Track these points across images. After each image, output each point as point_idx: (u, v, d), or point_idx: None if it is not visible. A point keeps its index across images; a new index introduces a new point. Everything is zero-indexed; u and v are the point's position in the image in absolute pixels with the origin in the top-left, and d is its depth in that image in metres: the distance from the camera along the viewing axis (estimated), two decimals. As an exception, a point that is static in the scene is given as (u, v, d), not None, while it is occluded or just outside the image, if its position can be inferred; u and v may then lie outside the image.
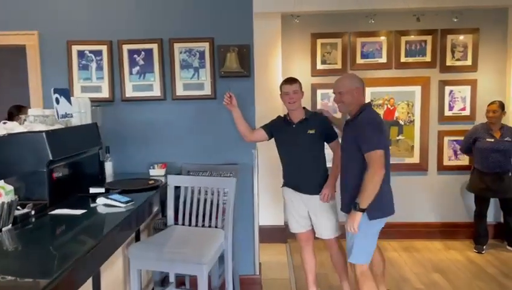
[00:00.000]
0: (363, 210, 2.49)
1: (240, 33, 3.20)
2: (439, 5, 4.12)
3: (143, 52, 3.27)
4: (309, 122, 3.04)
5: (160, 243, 2.53)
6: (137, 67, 3.28)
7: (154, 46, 3.25)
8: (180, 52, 3.25)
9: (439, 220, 4.63)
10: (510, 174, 4.09)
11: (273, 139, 3.16)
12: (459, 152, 4.51)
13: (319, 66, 4.51)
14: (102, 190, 2.55)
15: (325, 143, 3.07)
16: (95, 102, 3.15)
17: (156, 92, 3.29)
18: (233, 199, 2.71)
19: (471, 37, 4.37)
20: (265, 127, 3.17)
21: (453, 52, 4.42)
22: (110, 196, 2.36)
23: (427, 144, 4.54)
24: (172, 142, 3.33)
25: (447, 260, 4.09)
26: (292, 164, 3.09)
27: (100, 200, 2.35)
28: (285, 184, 3.18)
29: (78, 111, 2.87)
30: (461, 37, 4.38)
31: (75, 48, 3.27)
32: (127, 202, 2.32)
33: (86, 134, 2.87)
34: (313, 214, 3.09)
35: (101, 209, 2.30)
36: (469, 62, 4.42)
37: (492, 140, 4.08)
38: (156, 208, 2.72)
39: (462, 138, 4.49)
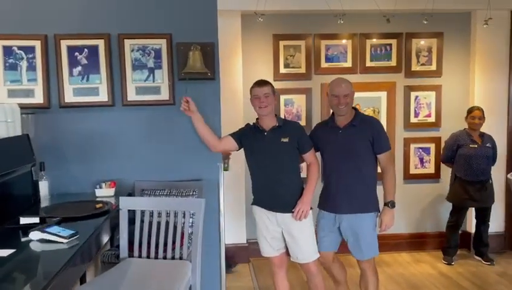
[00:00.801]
0: (394, 206, 2.70)
1: (203, 29, 2.79)
2: (405, 7, 3.95)
3: (86, 50, 2.75)
4: (282, 129, 2.70)
5: (113, 284, 2.03)
6: (79, 68, 2.75)
7: (100, 43, 2.75)
8: (132, 50, 2.78)
9: (406, 231, 4.46)
10: (490, 181, 3.99)
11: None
12: (425, 160, 4.38)
13: (282, 70, 4.19)
14: (36, 220, 2.02)
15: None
16: (26, 109, 2.60)
17: (103, 96, 2.78)
18: (201, 223, 2.27)
19: (436, 41, 4.27)
20: (234, 135, 2.78)
21: (418, 56, 4.29)
22: (47, 229, 1.84)
23: (393, 152, 4.36)
24: (122, 155, 2.83)
25: (419, 274, 3.91)
26: (264, 177, 2.72)
27: (34, 235, 1.83)
28: (256, 202, 2.80)
29: (3, 120, 2.32)
30: (425, 42, 4.26)
31: (-1, 44, 2.69)
32: (70, 236, 1.82)
33: (13, 148, 2.32)
34: (287, 234, 2.73)
35: (36, 247, 1.78)
36: (433, 67, 4.30)
37: (476, 146, 3.95)
38: (106, 239, 2.22)
39: (428, 146, 4.37)
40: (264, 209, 2.75)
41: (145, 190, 2.80)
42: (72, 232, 1.85)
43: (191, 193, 2.76)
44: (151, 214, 2.36)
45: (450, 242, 4.13)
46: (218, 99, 2.85)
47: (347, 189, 2.70)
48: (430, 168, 4.40)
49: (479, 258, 4.15)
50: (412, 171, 4.41)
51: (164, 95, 2.81)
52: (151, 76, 2.80)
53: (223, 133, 2.86)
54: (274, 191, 2.70)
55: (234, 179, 4.01)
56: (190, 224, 2.38)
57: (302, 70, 4.20)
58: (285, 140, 2.68)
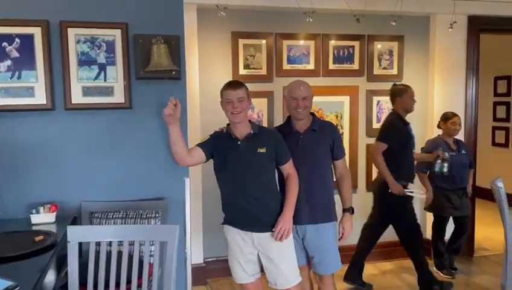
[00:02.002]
0: (353, 212, 2.62)
1: (166, 19, 2.37)
2: (374, 8, 3.80)
3: (18, 40, 2.20)
4: (258, 138, 2.36)
5: None
6: (8, 62, 2.20)
7: (36, 31, 2.21)
8: (78, 42, 2.27)
9: (369, 240, 4.29)
10: (467, 189, 3.92)
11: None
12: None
13: (242, 71, 3.83)
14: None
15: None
16: None
17: (40, 98, 2.24)
18: (175, 255, 1.84)
19: (397, 44, 4.17)
20: (203, 145, 2.37)
21: (379, 60, 4.16)
22: (-29, 282, 1.32)
23: (356, 159, 4.19)
24: (65, 171, 2.31)
25: (387, 286, 3.75)
26: (237, 193, 2.35)
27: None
28: (228, 221, 2.43)
29: None
30: (387, 45, 4.15)
31: None
32: (6, 291, 1.31)
33: None
34: (265, 257, 2.38)
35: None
36: (395, 71, 4.20)
37: (454, 153, 3.83)
38: (52, 284, 1.71)
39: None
40: (237, 229, 2.39)
41: (94, 213, 2.30)
42: (9, 284, 1.34)
43: (152, 215, 2.30)
44: (109, 243, 1.88)
45: (441, 254, 3.98)
46: (185, 103, 2.43)
47: (310, 197, 2.50)
48: (392, 176, 4.28)
49: (437, 271, 3.99)
50: (374, 178, 4.26)
51: (118, 97, 2.34)
52: (102, 74, 2.31)
53: (189, 142, 2.44)
54: (250, 209, 2.34)
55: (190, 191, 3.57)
56: (151, 252, 1.93)
57: (263, 71, 3.88)
58: (262, 150, 2.34)
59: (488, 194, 3.53)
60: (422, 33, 4.22)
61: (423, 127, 4.29)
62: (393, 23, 3.72)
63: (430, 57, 4.24)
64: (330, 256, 2.56)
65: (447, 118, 3.88)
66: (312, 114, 2.64)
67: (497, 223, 2.97)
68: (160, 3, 2.37)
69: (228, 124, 2.40)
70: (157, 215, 2.30)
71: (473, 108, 4.26)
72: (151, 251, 1.99)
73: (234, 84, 2.36)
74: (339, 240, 2.58)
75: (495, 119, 6.29)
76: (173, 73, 2.32)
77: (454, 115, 3.88)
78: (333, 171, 2.65)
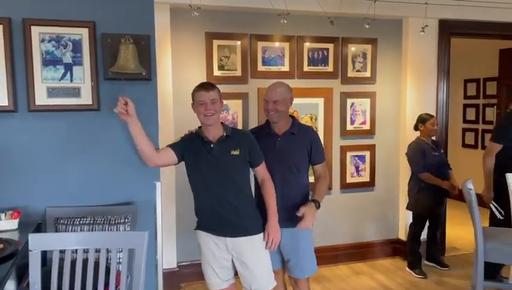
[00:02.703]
0: (319, 208, 2.48)
1: (136, 18, 2.30)
2: (348, 11, 3.81)
3: (-24, 37, 2.09)
4: (232, 140, 2.32)
5: None
6: (-34, 61, 2.08)
7: (-3, 29, 2.10)
8: (43, 41, 2.18)
9: (343, 242, 4.32)
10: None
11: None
12: (361, 168, 4.28)
13: (216, 72, 3.77)
14: None
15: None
16: None
17: (1, 99, 2.13)
18: (144, 262, 1.78)
19: (370, 47, 4.20)
20: (175, 147, 2.31)
21: (353, 62, 4.18)
22: None
23: (331, 161, 4.19)
24: (29, 176, 2.22)
25: (361, 287, 3.76)
26: (211, 197, 2.31)
27: None
28: (201, 226, 2.38)
29: None
30: (361, 48, 4.17)
31: None
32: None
33: None
34: (239, 262, 2.34)
35: None
36: (368, 74, 4.23)
37: (437, 154, 3.91)
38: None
39: (363, 154, 4.28)
40: (210, 235, 2.34)
41: (60, 219, 2.21)
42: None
43: (122, 220, 2.23)
44: (74, 250, 1.80)
45: (416, 253, 4.03)
46: (156, 105, 2.37)
47: (286, 200, 2.46)
48: (365, 177, 4.31)
49: (433, 264, 4.12)
50: (349, 180, 4.28)
51: (85, 98, 2.26)
52: (68, 74, 2.23)
53: (160, 144, 2.38)
54: (223, 213, 2.30)
55: (163, 194, 3.49)
56: (119, 259, 1.86)
57: (238, 73, 3.84)
58: (236, 153, 2.31)
59: (458, 195, 3.59)
60: (395, 36, 4.26)
61: (396, 129, 4.34)
62: (367, 26, 3.74)
63: (403, 60, 4.29)
64: (306, 259, 2.54)
65: (425, 120, 3.95)
66: (292, 117, 2.61)
67: (468, 223, 3.02)
68: (130, 2, 2.30)
69: (200, 127, 2.35)
70: (126, 220, 2.23)
71: (444, 110, 4.34)
72: (119, 258, 1.92)
73: (207, 86, 2.31)
74: (300, 226, 2.42)
75: (465, 121, 6.44)
76: (143, 74, 2.25)
77: (431, 116, 3.96)
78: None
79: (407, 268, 4.04)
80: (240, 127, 3.84)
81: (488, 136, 5.90)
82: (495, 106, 5.49)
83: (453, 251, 4.49)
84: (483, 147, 6.10)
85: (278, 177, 2.46)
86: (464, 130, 6.44)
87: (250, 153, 2.35)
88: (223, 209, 2.29)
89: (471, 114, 6.33)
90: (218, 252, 2.34)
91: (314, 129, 2.79)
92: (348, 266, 4.23)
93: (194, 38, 3.71)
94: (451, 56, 4.40)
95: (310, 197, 2.55)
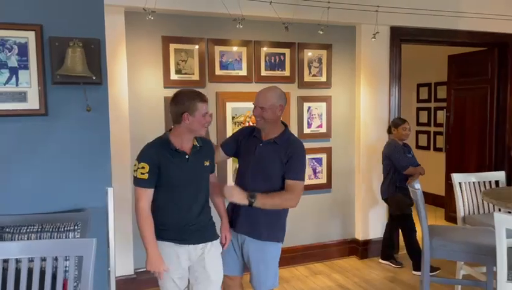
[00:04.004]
0: (251, 203, 2.30)
1: (85, 21, 2.27)
2: (302, 17, 3.89)
3: None
4: (203, 150, 2.33)
5: None
6: None
7: None
8: (-15, 44, 2.10)
9: (301, 243, 4.39)
10: None
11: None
12: (318, 170, 4.38)
13: (173, 76, 3.76)
14: None
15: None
16: None
17: None
18: (92, 269, 1.75)
19: (325, 52, 4.30)
20: (150, 161, 2.14)
21: (309, 67, 4.27)
22: None
23: (289, 164, 4.25)
24: (-28, 183, 2.13)
25: (319, 287, 3.84)
26: (185, 210, 2.25)
27: None
28: (168, 237, 2.25)
29: None
30: (316, 53, 4.27)
31: None
32: None
33: None
34: (193, 269, 2.34)
35: None
36: (324, 78, 4.33)
37: (411, 155, 4.10)
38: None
39: (320, 156, 4.38)
40: (173, 244, 2.26)
41: (5, 228, 2.14)
42: None
43: (72, 228, 2.19)
44: (19, 259, 1.75)
45: (394, 249, 4.33)
46: (107, 110, 2.33)
47: (256, 210, 2.37)
48: (322, 179, 4.41)
49: (387, 262, 4.29)
50: (306, 182, 4.28)
51: (32, 103, 2.21)
52: (13, 78, 2.17)
53: (114, 155, 2.34)
54: (198, 224, 2.28)
55: (119, 200, 3.44)
56: (66, 268, 1.83)
57: (196, 77, 3.84)
58: (207, 163, 2.33)
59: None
60: (349, 42, 4.39)
61: (351, 132, 4.47)
62: (321, 32, 3.84)
63: (357, 65, 4.43)
64: (268, 274, 2.48)
65: (398, 124, 4.12)
66: (285, 126, 2.50)
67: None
68: (79, 5, 2.26)
69: (168, 135, 2.23)
70: (76, 227, 2.18)
71: (396, 113, 4.50)
72: (66, 267, 1.88)
73: (205, 97, 2.27)
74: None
75: (418, 123, 6.70)
76: (93, 78, 2.22)
77: (405, 120, 4.16)
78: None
79: (413, 272, 4.09)
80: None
81: (439, 138, 6.17)
82: (445, 109, 5.75)
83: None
84: (435, 148, 6.37)
85: (251, 182, 2.40)
86: (418, 132, 6.70)
87: (211, 161, 2.38)
88: (198, 219, 2.30)
89: (423, 117, 6.60)
90: (181, 262, 2.28)
91: (302, 146, 2.47)
92: (306, 266, 4.31)
93: (150, 42, 3.69)
94: (405, 61, 4.58)
95: None
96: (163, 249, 2.24)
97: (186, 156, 2.21)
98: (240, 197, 2.31)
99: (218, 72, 3.92)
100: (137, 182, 2.14)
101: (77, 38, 2.18)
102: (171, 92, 3.66)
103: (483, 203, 3.64)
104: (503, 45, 4.91)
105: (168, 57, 3.73)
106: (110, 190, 2.34)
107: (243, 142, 2.53)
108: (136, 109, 3.57)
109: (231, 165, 4.02)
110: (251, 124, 4.08)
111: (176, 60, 3.76)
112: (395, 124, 4.17)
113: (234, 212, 2.51)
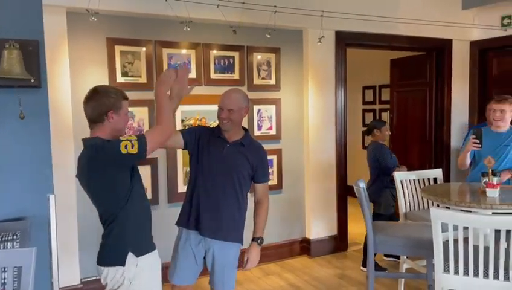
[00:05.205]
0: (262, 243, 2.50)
1: (22, 22, 2.17)
2: (249, 20, 3.94)
3: None
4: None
5: None
6: None
7: None
8: None
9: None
10: None
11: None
12: (269, 172, 4.42)
13: (120, 79, 3.68)
14: None
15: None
16: None
17: None
18: (32, 280, 1.69)
19: (274, 56, 4.38)
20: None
21: (258, 70, 4.32)
22: None
23: (239, 166, 4.28)
24: None
25: (271, 288, 3.90)
26: (145, 217, 2.16)
27: None
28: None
29: None
30: (265, 56, 4.33)
31: None
32: None
33: None
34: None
35: None
36: (273, 81, 4.40)
37: (394, 155, 4.22)
38: None
39: (271, 158, 4.43)
40: None
41: None
42: None
43: (10, 237, 2.09)
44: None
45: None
46: (47, 114, 2.25)
47: (221, 210, 2.41)
48: (273, 180, 4.46)
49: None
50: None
51: (-36, 107, 2.07)
52: None
53: (56, 161, 2.26)
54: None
55: (62, 207, 3.32)
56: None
57: (143, 79, 3.78)
58: None
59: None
60: (296, 46, 4.49)
61: (300, 134, 4.57)
62: (268, 36, 3.90)
63: (304, 68, 4.54)
64: (230, 277, 2.49)
65: (381, 126, 4.29)
66: (245, 130, 2.55)
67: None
68: (15, 6, 2.17)
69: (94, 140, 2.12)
70: (15, 237, 2.09)
71: (342, 116, 4.65)
72: (3, 278, 1.80)
73: (126, 95, 2.17)
74: (241, 268, 2.50)
75: (364, 124, 6.96)
76: (32, 80, 2.13)
77: (385, 122, 4.31)
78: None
79: (362, 268, 4.17)
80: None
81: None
82: (388, 111, 6.02)
83: (354, 246, 4.82)
84: (380, 148, 6.65)
85: (219, 182, 2.40)
86: (364, 133, 6.96)
87: None
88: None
89: (369, 118, 6.87)
90: None
91: (265, 149, 2.61)
92: (259, 267, 4.34)
93: (94, 44, 3.59)
94: (351, 65, 4.75)
95: (252, 233, 2.53)
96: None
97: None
98: (258, 255, 2.50)
99: (167, 74, 3.88)
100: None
101: (13, 39, 2.08)
102: (117, 95, 3.59)
103: (423, 200, 3.84)
104: (440, 49, 5.21)
105: (113, 59, 3.64)
106: (51, 197, 2.26)
107: (204, 142, 2.45)
108: (80, 113, 3.45)
109: (181, 168, 3.99)
110: (201, 126, 4.07)
111: (122, 63, 3.68)
112: (379, 126, 4.30)
113: (196, 213, 2.42)
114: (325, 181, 4.59)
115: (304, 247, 4.63)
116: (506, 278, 2.32)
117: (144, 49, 3.76)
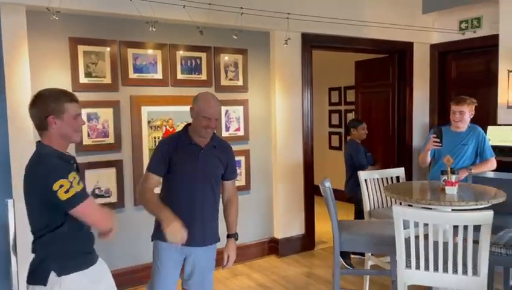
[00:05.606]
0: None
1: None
2: (216, 21, 3.94)
3: None
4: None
5: None
6: None
7: None
8: None
9: (221, 246, 4.39)
10: None
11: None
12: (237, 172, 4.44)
13: (83, 80, 3.59)
14: None
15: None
16: None
17: None
18: (-10, 289, 1.62)
19: (241, 57, 4.39)
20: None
21: (226, 71, 4.33)
22: None
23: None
24: None
25: (240, 288, 3.91)
26: None
27: None
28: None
29: None
30: (232, 57, 4.34)
31: None
32: None
33: None
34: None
35: None
36: (240, 82, 4.42)
37: (370, 154, 4.34)
38: None
39: (239, 159, 4.44)
40: None
41: None
42: None
43: (-34, 245, 2.00)
44: None
45: None
46: (5, 118, 2.16)
47: (204, 217, 2.43)
48: (241, 181, 4.48)
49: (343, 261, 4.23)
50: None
51: None
52: None
53: (17, 165, 2.18)
54: None
55: (23, 212, 3.21)
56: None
57: (107, 80, 3.70)
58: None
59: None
60: (263, 47, 4.52)
61: (268, 134, 4.60)
62: (235, 37, 3.91)
63: (271, 70, 4.58)
64: (208, 278, 2.52)
65: (357, 125, 4.37)
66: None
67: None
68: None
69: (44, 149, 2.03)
70: (-29, 244, 2.00)
71: (309, 117, 4.72)
72: (-41, 288, 1.72)
73: (74, 96, 2.11)
74: (224, 267, 2.50)
75: (330, 125, 7.09)
76: (-12, 82, 2.05)
77: (362, 121, 4.40)
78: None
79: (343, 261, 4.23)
80: (111, 136, 3.72)
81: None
82: (353, 112, 6.15)
83: (321, 245, 4.90)
84: (346, 149, 6.79)
85: (199, 190, 2.40)
86: (330, 134, 7.09)
87: None
88: None
89: (335, 119, 7.00)
90: None
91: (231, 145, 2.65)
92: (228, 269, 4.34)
93: (56, 43, 3.49)
94: (317, 66, 4.83)
95: (227, 231, 2.55)
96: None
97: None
98: (235, 249, 2.53)
99: (132, 75, 3.83)
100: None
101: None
102: (81, 96, 3.49)
103: (386, 198, 3.96)
104: (401, 52, 5.38)
105: (76, 59, 3.56)
106: (10, 202, 2.17)
107: (177, 155, 2.40)
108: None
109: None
110: (168, 128, 4.05)
111: (85, 63, 3.60)
112: (355, 125, 4.43)
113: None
114: (292, 181, 4.65)
115: (272, 247, 4.67)
116: (465, 272, 2.42)
117: (108, 49, 3.69)
